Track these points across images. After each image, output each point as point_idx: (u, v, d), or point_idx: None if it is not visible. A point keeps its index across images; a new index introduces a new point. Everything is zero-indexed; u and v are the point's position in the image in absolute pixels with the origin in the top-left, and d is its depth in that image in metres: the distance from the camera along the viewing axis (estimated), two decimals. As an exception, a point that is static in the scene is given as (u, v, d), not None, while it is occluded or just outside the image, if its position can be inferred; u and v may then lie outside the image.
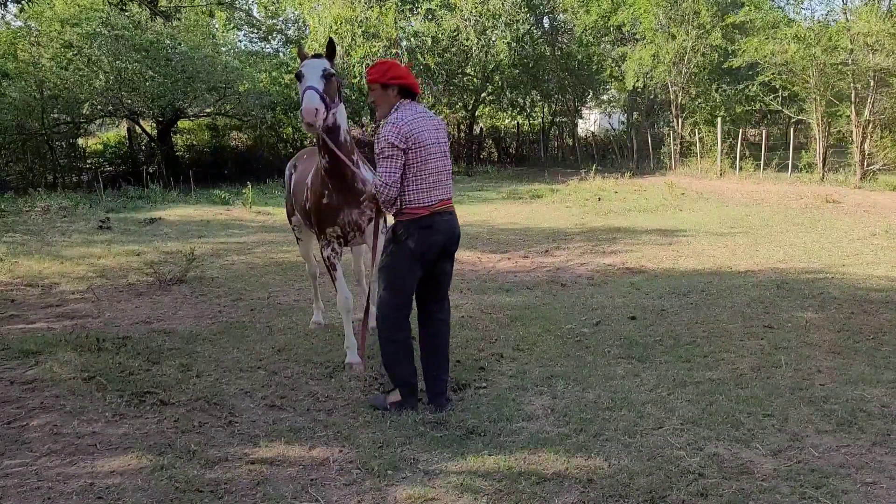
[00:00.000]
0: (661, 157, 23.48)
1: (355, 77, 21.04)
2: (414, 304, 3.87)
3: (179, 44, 18.24)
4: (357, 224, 4.45)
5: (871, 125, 17.21)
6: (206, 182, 18.32)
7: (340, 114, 4.21)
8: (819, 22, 18.76)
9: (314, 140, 4.44)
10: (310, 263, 5.70)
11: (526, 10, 24.26)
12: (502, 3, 22.62)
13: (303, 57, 4.12)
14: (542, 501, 2.85)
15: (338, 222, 4.44)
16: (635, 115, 27.16)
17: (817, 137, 18.41)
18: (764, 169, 19.34)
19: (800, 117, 19.73)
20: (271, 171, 19.29)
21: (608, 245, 9.24)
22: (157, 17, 18.27)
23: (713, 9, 21.09)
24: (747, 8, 18.80)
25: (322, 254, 4.63)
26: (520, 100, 28.00)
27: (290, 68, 21.21)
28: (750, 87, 19.17)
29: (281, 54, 24.22)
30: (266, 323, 5.60)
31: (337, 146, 4.15)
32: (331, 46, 4.15)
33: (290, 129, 22.81)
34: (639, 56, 22.24)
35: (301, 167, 5.07)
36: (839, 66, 16.92)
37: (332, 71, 4.05)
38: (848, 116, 17.65)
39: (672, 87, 22.45)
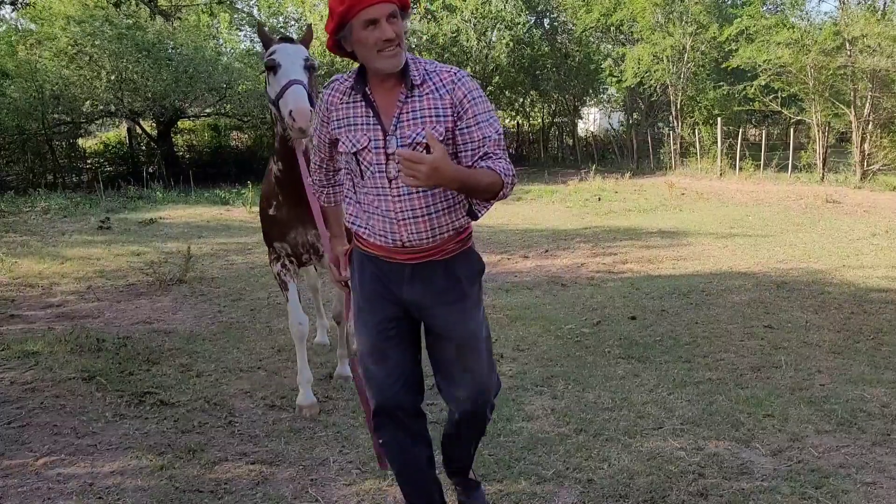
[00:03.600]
0: (661, 157, 23.50)
1: None
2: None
3: (181, 45, 18.26)
4: (314, 246, 3.65)
5: (870, 125, 17.23)
6: (206, 182, 18.34)
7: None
8: (814, 24, 18.77)
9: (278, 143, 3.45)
10: (308, 275, 5.23)
11: (526, 10, 24.29)
12: (504, 5, 22.65)
13: (267, 41, 3.25)
14: (543, 501, 2.85)
15: (288, 239, 3.67)
16: (635, 114, 27.19)
17: (817, 138, 18.42)
18: (764, 169, 19.33)
19: (799, 118, 19.74)
20: (271, 171, 19.27)
21: (608, 245, 9.24)
22: (157, 17, 18.28)
23: (707, 1, 21.17)
24: (739, 20, 18.80)
25: (272, 269, 3.86)
26: (520, 99, 28.02)
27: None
28: (748, 87, 19.18)
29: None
30: (266, 323, 5.60)
31: (297, 159, 3.26)
32: (308, 33, 3.34)
33: (290, 128, 22.79)
34: (637, 55, 22.28)
35: None
36: (837, 70, 16.94)
37: (315, 62, 3.24)
38: (848, 117, 17.66)
39: (671, 86, 22.48)
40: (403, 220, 2.18)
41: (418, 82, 2.13)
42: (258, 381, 4.26)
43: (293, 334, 3.87)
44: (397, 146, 2.11)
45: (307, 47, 3.23)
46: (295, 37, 3.46)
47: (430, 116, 2.12)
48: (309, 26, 3.37)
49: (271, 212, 3.65)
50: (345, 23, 2.06)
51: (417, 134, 2.12)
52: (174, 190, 16.59)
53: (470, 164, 2.13)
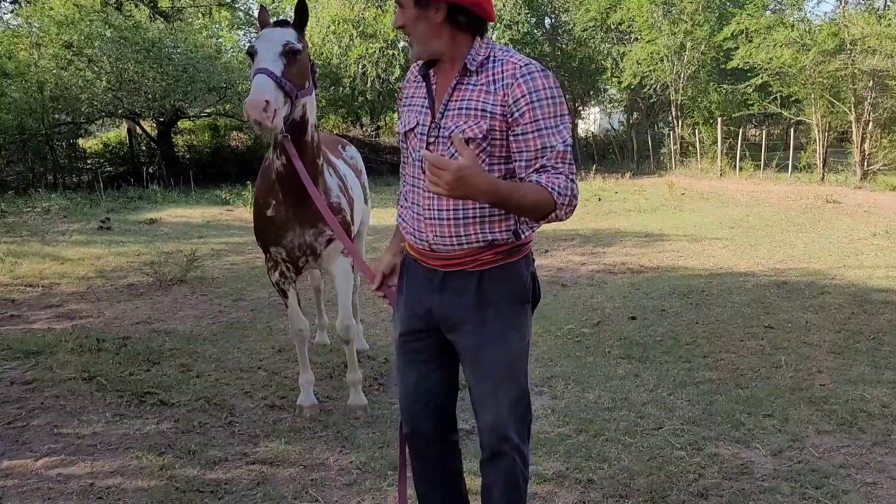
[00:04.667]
0: (661, 158, 23.51)
1: (350, 77, 21.05)
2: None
3: (181, 44, 18.27)
4: (311, 247, 3.48)
5: (870, 125, 17.23)
6: (206, 182, 18.34)
7: (311, 105, 3.17)
8: (814, 24, 18.78)
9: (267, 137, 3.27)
10: (312, 276, 5.22)
11: (527, 11, 24.26)
12: (503, 5, 22.64)
13: (263, 24, 3.05)
14: (543, 502, 2.85)
15: (283, 243, 3.46)
16: (635, 115, 27.19)
17: (817, 138, 18.42)
18: (764, 169, 19.34)
19: (799, 118, 19.74)
20: (271, 171, 19.28)
21: (608, 245, 9.24)
22: (158, 18, 18.31)
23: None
24: (738, 18, 18.80)
25: (270, 278, 3.73)
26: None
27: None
28: (747, 89, 19.17)
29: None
30: (266, 323, 5.60)
31: (300, 148, 3.09)
32: (302, 9, 3.00)
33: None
34: (636, 55, 22.31)
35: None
36: (836, 71, 16.96)
37: (298, 46, 2.91)
38: (848, 117, 17.67)
39: (671, 86, 22.48)
40: (429, 219, 1.98)
41: (473, 69, 1.92)
42: (258, 381, 4.26)
43: (294, 339, 3.86)
44: (439, 136, 1.94)
45: (301, 29, 3.01)
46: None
47: (476, 110, 1.89)
48: (302, 3, 2.99)
49: (269, 212, 3.43)
50: None
51: (457, 127, 1.91)
52: (174, 190, 16.58)
53: (523, 175, 1.88)
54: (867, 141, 17.29)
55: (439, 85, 2.00)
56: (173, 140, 21.64)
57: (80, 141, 21.74)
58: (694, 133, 22.44)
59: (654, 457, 3.19)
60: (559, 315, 5.72)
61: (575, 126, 29.94)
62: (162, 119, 20.10)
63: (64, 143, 20.28)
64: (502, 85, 1.88)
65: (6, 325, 5.55)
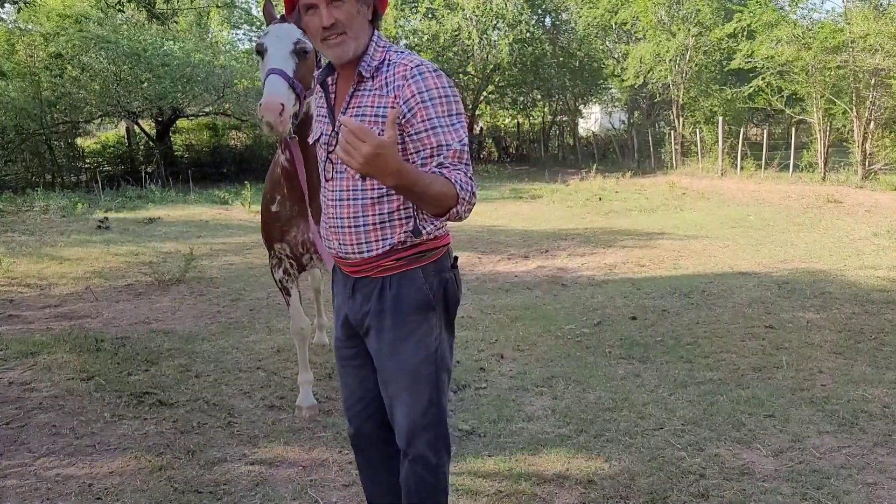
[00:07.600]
0: (662, 157, 23.50)
1: None
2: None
3: (178, 45, 18.26)
4: (315, 244, 3.49)
5: (871, 124, 17.21)
6: (204, 182, 18.36)
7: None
8: (816, 22, 18.73)
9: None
10: (312, 278, 5.13)
11: (529, 10, 24.25)
12: (505, 4, 22.61)
13: (269, 19, 2.95)
14: (543, 502, 2.84)
15: (287, 239, 3.50)
16: (636, 114, 27.18)
17: (818, 137, 18.40)
18: (765, 168, 19.32)
19: (801, 117, 19.72)
20: (270, 170, 19.30)
21: (609, 245, 9.22)
22: (154, 21, 18.31)
23: (714, 3, 21.12)
24: (740, 14, 18.76)
25: (273, 275, 3.74)
26: (521, 98, 28.01)
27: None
28: (755, 81, 19.13)
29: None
30: (265, 323, 5.59)
31: (304, 145, 3.00)
32: None
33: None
34: (640, 54, 22.28)
35: None
36: (838, 69, 16.93)
37: (308, 45, 2.78)
38: (847, 115, 17.65)
39: (673, 86, 22.46)
40: (332, 227, 1.98)
41: (368, 75, 1.89)
42: (257, 382, 4.24)
43: (295, 338, 3.87)
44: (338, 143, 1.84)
45: None
46: None
47: (371, 116, 1.87)
48: None
49: (274, 208, 3.47)
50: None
51: None
52: (173, 190, 16.59)
53: None
54: (869, 140, 17.25)
55: (339, 93, 1.99)
56: (171, 139, 21.65)
57: (79, 140, 21.78)
58: (695, 132, 22.43)
59: (655, 457, 3.17)
60: (559, 315, 5.71)
61: (576, 125, 29.97)
62: (160, 119, 20.12)
63: (62, 143, 20.32)
64: (393, 87, 1.86)
65: (4, 325, 5.54)
